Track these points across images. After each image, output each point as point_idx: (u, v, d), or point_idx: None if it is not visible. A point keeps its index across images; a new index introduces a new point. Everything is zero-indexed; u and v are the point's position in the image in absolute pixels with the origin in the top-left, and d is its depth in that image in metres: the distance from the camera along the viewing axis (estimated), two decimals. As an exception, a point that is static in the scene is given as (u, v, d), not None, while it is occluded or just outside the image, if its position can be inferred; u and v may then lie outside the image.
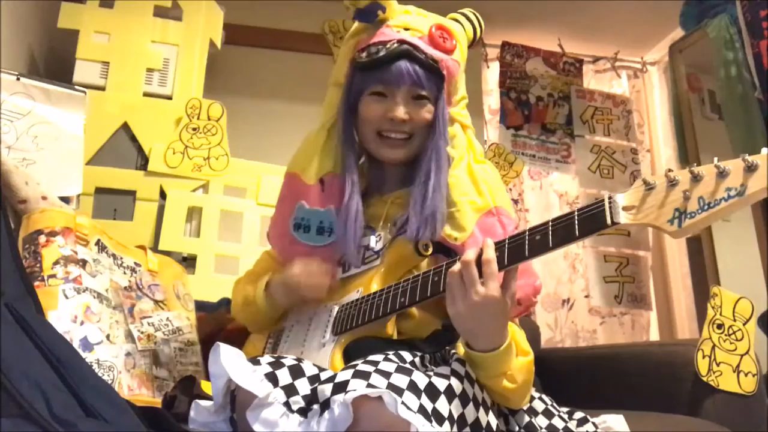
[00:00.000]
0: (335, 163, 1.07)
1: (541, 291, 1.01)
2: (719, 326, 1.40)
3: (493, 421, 0.79)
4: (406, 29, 1.03)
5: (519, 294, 0.92)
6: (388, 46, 1.01)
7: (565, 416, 0.98)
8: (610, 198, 0.72)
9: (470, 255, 0.80)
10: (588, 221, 0.73)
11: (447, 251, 0.93)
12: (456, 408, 0.74)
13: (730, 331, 1.40)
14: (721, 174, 0.65)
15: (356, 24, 1.08)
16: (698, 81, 2.67)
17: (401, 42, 1.01)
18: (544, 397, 1.01)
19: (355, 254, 1.02)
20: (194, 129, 1.93)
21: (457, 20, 1.12)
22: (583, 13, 2.96)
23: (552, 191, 3.16)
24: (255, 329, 1.16)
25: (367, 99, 1.04)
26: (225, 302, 1.50)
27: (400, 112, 1.02)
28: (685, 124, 2.59)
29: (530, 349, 0.91)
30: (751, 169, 0.64)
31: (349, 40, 1.08)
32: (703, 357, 1.35)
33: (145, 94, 1.96)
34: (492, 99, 3.16)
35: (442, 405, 0.72)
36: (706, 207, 0.65)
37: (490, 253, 0.79)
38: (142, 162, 1.90)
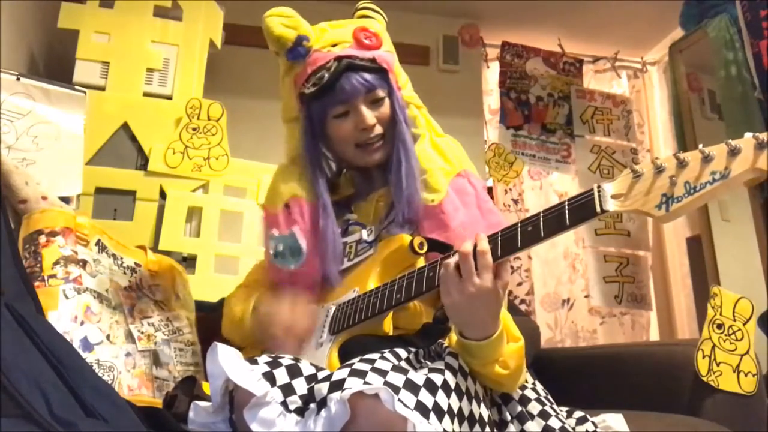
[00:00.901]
0: (299, 187, 1.10)
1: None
2: (719, 326, 1.40)
3: (485, 413, 0.81)
4: (334, 45, 1.08)
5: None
6: (327, 67, 1.05)
7: (557, 408, 0.99)
8: (599, 187, 0.74)
9: (468, 247, 0.82)
10: (578, 210, 0.75)
11: (441, 248, 0.94)
12: (454, 402, 0.74)
13: (730, 331, 1.40)
14: (706, 159, 0.67)
15: (283, 62, 1.14)
16: (698, 81, 2.67)
17: (338, 58, 1.06)
18: (537, 387, 1.01)
19: (336, 276, 1.05)
20: (194, 129, 1.93)
21: (366, 16, 1.18)
22: (583, 13, 2.96)
23: (552, 191, 3.17)
24: (244, 345, 1.16)
25: (332, 122, 1.09)
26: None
27: (368, 118, 1.06)
28: (685, 124, 2.59)
29: (520, 335, 0.93)
30: (734, 152, 0.66)
31: (285, 78, 1.14)
32: (703, 357, 1.35)
33: (145, 94, 1.96)
34: (492, 99, 3.17)
35: (442, 399, 0.73)
36: (692, 191, 0.68)
37: (485, 245, 0.82)
38: (142, 162, 1.90)
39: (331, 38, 1.09)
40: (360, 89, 1.05)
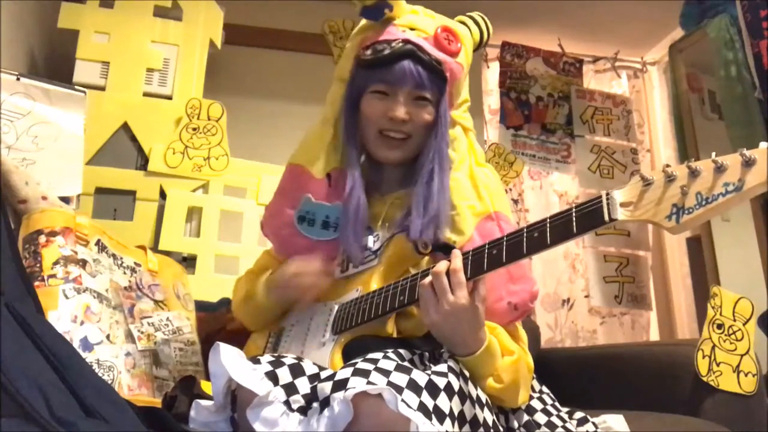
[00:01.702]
0: (342, 159, 1.07)
1: (537, 296, 1.01)
2: (719, 326, 1.40)
3: (489, 418, 0.81)
4: (412, 29, 1.03)
5: (515, 299, 0.94)
6: (392, 45, 1.00)
7: (565, 416, 0.99)
8: (607, 194, 0.72)
9: (440, 266, 0.83)
10: (586, 218, 0.73)
11: (446, 249, 0.93)
12: (456, 405, 0.74)
13: (730, 331, 1.40)
14: (719, 169, 0.65)
15: (363, 21, 1.07)
16: (698, 81, 2.67)
17: (406, 42, 1.00)
18: (545, 396, 1.01)
19: (357, 250, 1.01)
20: (194, 129, 1.93)
21: (464, 23, 1.12)
22: (583, 13, 2.96)
23: (552, 191, 3.16)
24: (254, 327, 1.15)
25: (368, 96, 1.04)
26: (225, 302, 1.50)
27: (401, 112, 1.01)
28: (685, 124, 2.59)
29: (516, 348, 0.92)
30: (749, 163, 0.63)
31: (356, 37, 1.08)
32: (703, 357, 1.35)
33: (145, 94, 1.96)
34: (492, 99, 3.16)
35: (443, 402, 0.73)
36: (703, 202, 0.65)
37: (457, 263, 0.82)
38: (142, 162, 1.90)
39: (414, 22, 1.04)
40: (408, 79, 0.99)
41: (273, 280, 1.06)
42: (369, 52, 1.02)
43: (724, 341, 1.39)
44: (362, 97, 1.05)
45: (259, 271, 1.17)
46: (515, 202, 3.05)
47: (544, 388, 1.04)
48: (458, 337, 0.84)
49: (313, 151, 1.08)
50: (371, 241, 1.04)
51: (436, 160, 1.01)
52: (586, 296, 2.97)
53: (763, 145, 0.63)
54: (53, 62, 2.13)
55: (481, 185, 1.02)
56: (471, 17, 1.14)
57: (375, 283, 0.98)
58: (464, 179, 1.03)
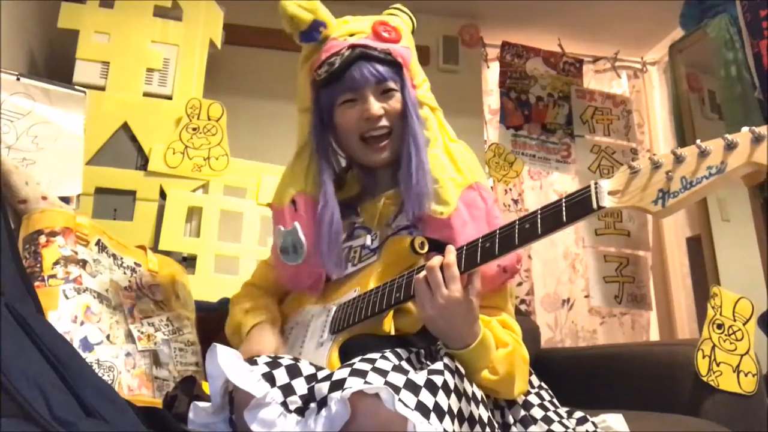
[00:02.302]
0: (305, 182, 1.10)
1: (521, 258, 1.03)
2: (719, 326, 1.40)
3: (485, 414, 0.81)
4: (351, 35, 1.07)
5: (504, 262, 0.96)
6: (341, 54, 1.04)
7: (562, 412, 0.99)
8: (596, 183, 0.74)
9: (434, 261, 0.84)
10: (575, 207, 0.75)
11: (442, 249, 0.94)
12: (453, 403, 0.74)
13: (730, 331, 1.40)
14: (702, 153, 0.67)
15: (304, 49, 1.12)
16: (698, 81, 2.67)
17: (351, 47, 1.04)
18: (543, 392, 1.01)
19: (334, 266, 1.04)
20: (194, 129, 1.93)
21: (392, 14, 1.17)
22: (583, 13, 2.96)
23: (552, 191, 3.17)
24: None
25: (339, 109, 1.07)
26: (225, 302, 1.50)
27: (375, 108, 1.04)
28: (685, 124, 2.59)
29: (511, 340, 0.93)
30: (731, 147, 0.66)
31: (303, 66, 1.12)
32: (703, 357, 1.35)
33: (145, 94, 1.96)
34: (492, 99, 3.17)
35: (442, 400, 0.73)
36: (688, 186, 0.67)
37: (450, 258, 0.84)
38: (142, 162, 1.90)
39: (350, 29, 1.08)
40: (370, 79, 1.03)
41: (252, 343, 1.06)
42: (322, 70, 1.06)
43: (724, 341, 1.39)
44: (333, 113, 1.08)
45: (256, 284, 1.20)
46: (515, 202, 3.05)
47: (543, 384, 1.05)
48: (453, 330, 0.85)
49: (282, 185, 1.14)
50: (369, 240, 1.06)
51: (412, 143, 1.04)
52: (586, 296, 2.97)
53: (744, 129, 0.66)
54: (53, 62, 2.13)
55: (458, 159, 1.06)
56: (395, 8, 1.19)
57: (373, 283, 0.98)
58: (442, 155, 1.06)
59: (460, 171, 1.04)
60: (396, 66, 1.06)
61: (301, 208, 1.08)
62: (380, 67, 1.04)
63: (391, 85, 1.06)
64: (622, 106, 3.11)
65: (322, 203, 1.06)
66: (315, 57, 1.09)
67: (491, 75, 3.18)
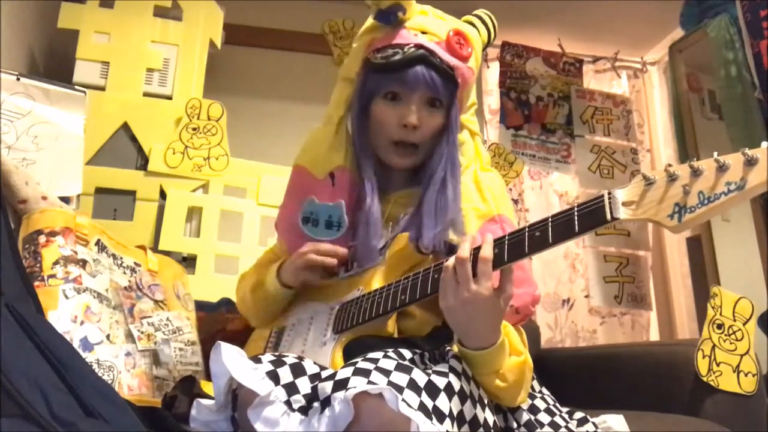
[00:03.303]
0: (345, 157, 1.06)
1: (539, 301, 1.01)
2: (719, 326, 1.40)
3: (490, 418, 0.80)
4: (424, 33, 1.02)
5: (517, 303, 0.93)
6: (405, 49, 0.99)
7: (566, 416, 0.99)
8: (609, 194, 0.72)
9: (465, 252, 0.80)
10: (588, 217, 0.72)
11: (448, 249, 0.93)
12: (455, 405, 0.74)
13: (730, 331, 1.40)
14: (721, 168, 0.65)
15: (369, 20, 1.05)
16: (698, 81, 2.67)
17: (418, 46, 0.99)
18: (546, 396, 1.01)
19: (370, 256, 1.01)
20: (194, 129, 1.93)
21: (472, 23, 1.11)
22: (583, 13, 2.96)
23: (552, 191, 3.16)
24: (258, 320, 1.15)
25: (380, 101, 1.03)
26: (225, 302, 1.50)
27: (413, 118, 1.00)
28: (685, 124, 2.59)
29: (524, 350, 0.91)
30: (751, 162, 0.63)
31: (364, 37, 1.06)
32: (703, 357, 1.35)
33: (145, 94, 1.96)
34: (492, 99, 3.16)
35: (443, 402, 0.72)
36: (706, 201, 0.65)
37: (488, 251, 0.79)
38: (142, 162, 1.90)
39: (425, 25, 1.03)
40: (422, 84, 0.98)
41: (284, 265, 1.06)
42: (380, 55, 1.01)
43: (724, 341, 1.39)
44: (372, 101, 1.04)
45: (266, 263, 1.17)
46: (515, 202, 3.05)
47: (544, 390, 1.04)
48: (472, 327, 0.82)
49: (315, 151, 1.09)
50: None
51: (448, 167, 1.01)
52: (586, 296, 2.97)
53: (764, 144, 0.63)
54: (53, 62, 2.13)
55: (486, 189, 1.02)
56: (479, 17, 1.13)
57: (377, 283, 0.97)
58: (469, 183, 1.03)
59: (485, 200, 1.01)
60: (453, 83, 1.01)
61: (340, 185, 1.05)
62: (437, 78, 0.99)
63: (440, 99, 1.02)
64: (622, 106, 3.11)
65: (370, 196, 1.02)
66: (379, 35, 1.03)
67: (491, 75, 3.18)
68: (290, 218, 1.09)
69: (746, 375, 1.36)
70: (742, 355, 1.38)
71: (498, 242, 0.81)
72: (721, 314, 1.42)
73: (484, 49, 1.12)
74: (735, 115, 2.27)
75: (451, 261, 0.81)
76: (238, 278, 1.22)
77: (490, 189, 1.03)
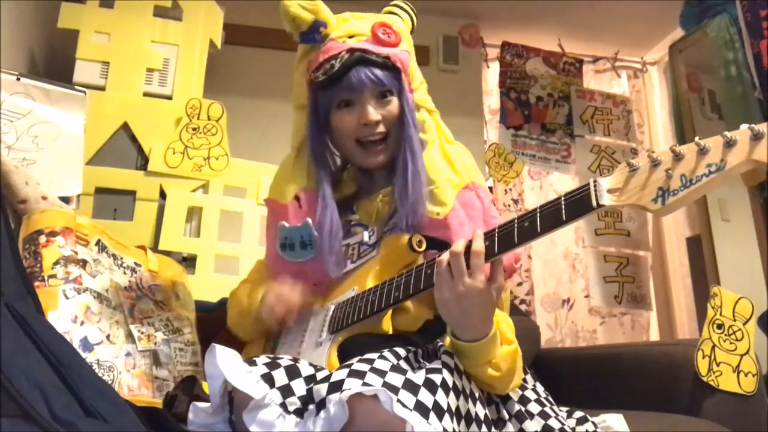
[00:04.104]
0: (307, 178, 1.10)
1: (520, 258, 1.03)
2: (719, 326, 1.40)
3: (481, 412, 0.81)
4: (351, 36, 1.06)
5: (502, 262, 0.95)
6: (339, 58, 1.03)
7: (557, 409, 0.99)
8: (595, 182, 0.74)
9: (459, 246, 0.82)
10: (574, 205, 0.74)
11: (440, 246, 0.94)
12: (452, 401, 0.74)
13: (730, 331, 1.40)
14: (702, 151, 0.67)
15: (301, 47, 1.11)
16: (698, 81, 2.67)
17: (350, 51, 1.03)
18: (538, 388, 1.01)
19: (335, 266, 1.03)
20: (194, 129, 1.93)
21: (393, 13, 1.16)
22: (583, 13, 2.96)
23: (552, 191, 3.17)
24: (249, 338, 1.16)
25: (336, 113, 1.07)
26: (225, 302, 1.50)
27: (371, 114, 1.04)
28: (685, 124, 2.59)
29: (514, 338, 0.93)
30: (730, 144, 0.66)
31: (300, 64, 1.12)
32: (703, 357, 1.35)
33: (145, 94, 1.96)
34: (492, 99, 3.17)
35: (441, 398, 0.73)
36: (688, 184, 0.67)
37: (479, 245, 0.81)
38: (142, 162, 1.90)
39: (349, 29, 1.07)
40: (368, 84, 1.03)
41: (258, 312, 1.07)
42: (319, 73, 1.05)
43: (724, 341, 1.39)
44: (330, 116, 1.08)
45: (254, 282, 1.18)
46: (515, 202, 3.05)
47: (538, 384, 1.05)
48: (467, 320, 0.84)
49: (279, 181, 1.13)
50: (367, 236, 1.06)
51: (408, 149, 1.04)
52: (586, 296, 2.97)
53: (743, 127, 0.66)
54: (53, 62, 2.13)
55: (455, 160, 1.05)
56: (396, 5, 1.17)
57: (371, 282, 0.98)
58: (437, 157, 1.05)
59: (457, 171, 1.04)
60: (394, 71, 1.05)
61: (306, 204, 1.07)
62: (378, 72, 1.03)
63: (389, 90, 1.05)
64: (622, 106, 3.11)
65: (321, 206, 1.05)
66: (312, 56, 1.08)
67: (491, 75, 3.18)
68: (270, 250, 1.13)
69: (746, 375, 1.36)
70: (742, 355, 1.38)
71: (489, 234, 0.82)
72: (721, 314, 1.42)
73: (411, 32, 1.16)
74: (735, 115, 2.27)
75: (445, 256, 0.83)
76: (230, 293, 1.22)
77: (460, 160, 1.06)
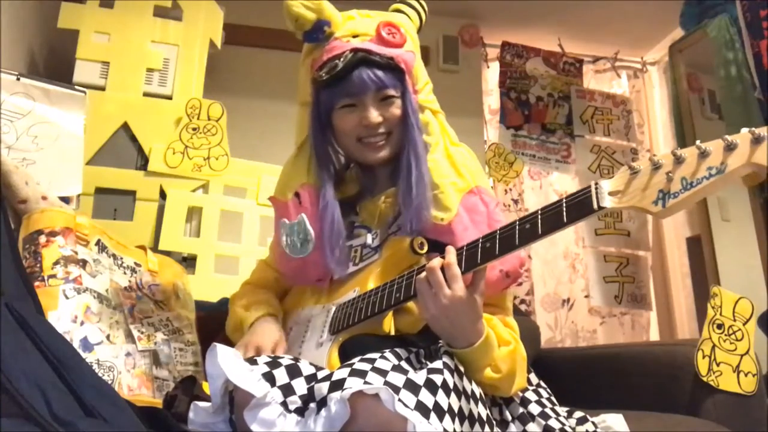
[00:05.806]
0: (308, 174, 1.09)
1: (525, 263, 1.03)
2: (719, 326, 1.40)
3: (483, 412, 0.81)
4: (355, 36, 1.05)
5: (506, 267, 0.96)
6: (342, 58, 1.02)
7: (559, 410, 0.99)
8: (596, 184, 0.74)
9: (434, 262, 0.84)
10: (575, 207, 0.75)
11: (442, 249, 0.94)
12: (453, 401, 0.75)
13: (730, 331, 1.40)
14: (703, 154, 0.68)
15: (306, 45, 1.10)
16: (698, 81, 2.67)
17: (354, 51, 1.02)
18: (540, 390, 1.02)
19: (338, 265, 1.03)
20: (194, 129, 1.93)
21: (401, 11, 1.14)
22: (583, 13, 2.96)
23: (552, 191, 3.17)
24: None
25: (338, 112, 1.06)
26: (225, 302, 1.50)
27: (373, 116, 1.03)
28: (685, 124, 2.59)
29: (513, 339, 0.94)
30: (730, 147, 0.67)
31: (305, 61, 1.11)
32: (703, 357, 1.35)
33: (145, 94, 1.96)
34: (492, 99, 3.17)
35: (442, 399, 0.73)
36: (688, 186, 0.68)
37: (451, 258, 0.84)
38: (142, 162, 1.90)
39: (354, 28, 1.06)
40: (370, 85, 1.01)
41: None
42: (323, 72, 1.04)
43: (724, 341, 1.39)
44: (332, 115, 1.07)
45: (256, 284, 1.20)
46: (515, 202, 3.05)
47: (542, 383, 1.05)
48: (457, 330, 0.85)
49: (283, 179, 1.13)
50: (370, 239, 1.06)
51: (411, 152, 1.03)
52: (586, 296, 2.97)
53: (744, 130, 0.67)
54: (53, 62, 2.13)
55: (459, 163, 1.04)
56: (405, 2, 1.16)
57: (372, 284, 0.98)
58: (442, 159, 1.05)
59: (461, 175, 1.03)
60: (398, 72, 1.04)
61: (305, 200, 1.07)
62: (381, 74, 1.02)
63: (392, 92, 1.04)
64: (622, 106, 3.11)
65: (322, 204, 1.05)
66: (317, 55, 1.07)
67: (491, 75, 3.18)
68: (277, 247, 1.13)
69: (746, 375, 1.36)
70: (742, 355, 1.38)
71: (490, 236, 0.83)
72: (721, 314, 1.42)
73: (419, 31, 1.15)
74: (735, 115, 2.27)
75: (423, 274, 0.85)
76: (231, 297, 1.22)
77: (464, 164, 1.05)
